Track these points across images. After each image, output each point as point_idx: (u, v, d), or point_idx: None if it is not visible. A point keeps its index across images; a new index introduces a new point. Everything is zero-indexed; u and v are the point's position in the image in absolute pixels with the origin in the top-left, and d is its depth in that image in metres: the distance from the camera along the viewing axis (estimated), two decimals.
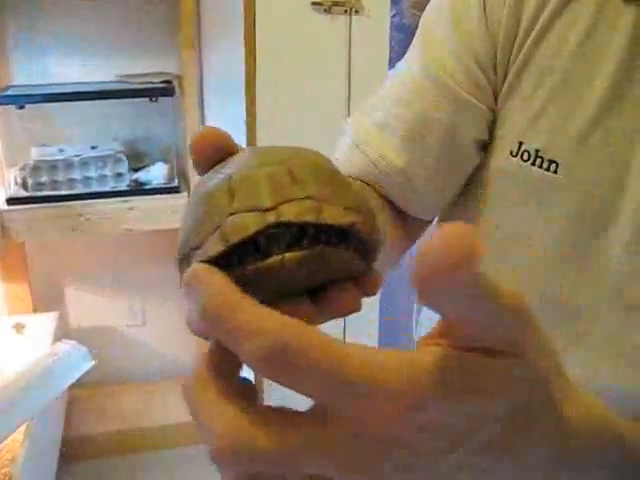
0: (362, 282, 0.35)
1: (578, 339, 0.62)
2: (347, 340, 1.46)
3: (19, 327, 1.95)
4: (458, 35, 0.64)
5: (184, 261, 0.33)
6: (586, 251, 0.61)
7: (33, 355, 1.73)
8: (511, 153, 0.62)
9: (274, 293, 0.32)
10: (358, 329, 1.57)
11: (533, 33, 0.60)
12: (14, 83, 2.02)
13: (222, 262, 0.31)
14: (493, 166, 0.65)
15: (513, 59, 0.62)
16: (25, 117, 1.99)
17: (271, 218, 0.30)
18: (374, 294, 0.35)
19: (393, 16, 1.58)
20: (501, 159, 0.64)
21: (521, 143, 0.61)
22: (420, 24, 0.69)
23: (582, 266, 0.61)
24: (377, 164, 0.67)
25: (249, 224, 0.30)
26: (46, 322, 2.01)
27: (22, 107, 1.90)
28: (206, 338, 0.32)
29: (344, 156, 0.70)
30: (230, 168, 0.33)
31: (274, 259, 0.30)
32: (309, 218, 0.30)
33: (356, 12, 1.38)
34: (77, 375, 1.70)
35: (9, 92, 1.92)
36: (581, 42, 0.58)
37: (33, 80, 2.03)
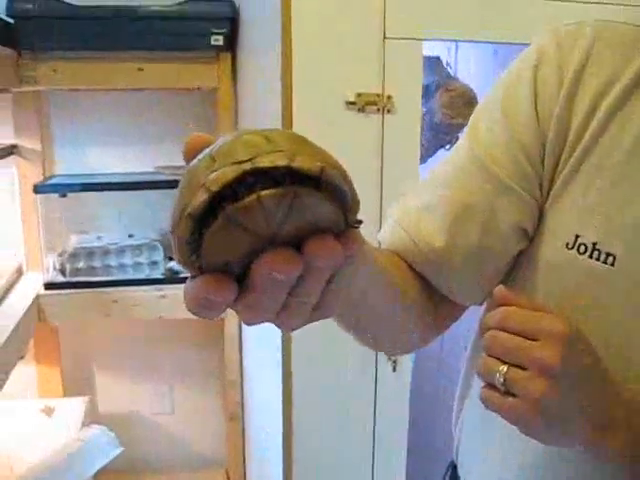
0: (340, 236, 0.38)
1: None
2: (379, 380, 1.45)
3: (48, 410, 1.96)
4: (507, 126, 0.66)
5: (178, 224, 0.37)
6: (638, 341, 0.62)
7: (62, 439, 1.74)
8: (567, 246, 0.63)
9: (260, 245, 0.36)
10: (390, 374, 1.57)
11: (590, 129, 0.62)
12: (57, 173, 2.11)
13: (209, 219, 0.35)
14: (546, 258, 0.66)
15: (566, 155, 0.64)
16: (66, 205, 2.07)
17: (247, 166, 0.34)
18: (351, 250, 0.38)
19: (424, 115, 1.64)
20: (555, 251, 0.65)
21: (577, 236, 0.62)
22: (472, 115, 0.72)
23: (633, 357, 0.62)
24: (416, 242, 0.68)
25: (228, 173, 0.34)
26: (75, 406, 2.01)
27: (64, 195, 1.97)
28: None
29: (386, 234, 0.72)
30: (210, 148, 0.37)
31: (251, 197, 0.34)
32: (282, 163, 0.34)
33: (388, 111, 1.45)
34: (105, 461, 1.70)
35: (52, 181, 2.01)
36: (638, 136, 0.60)
37: (75, 170, 2.11)
